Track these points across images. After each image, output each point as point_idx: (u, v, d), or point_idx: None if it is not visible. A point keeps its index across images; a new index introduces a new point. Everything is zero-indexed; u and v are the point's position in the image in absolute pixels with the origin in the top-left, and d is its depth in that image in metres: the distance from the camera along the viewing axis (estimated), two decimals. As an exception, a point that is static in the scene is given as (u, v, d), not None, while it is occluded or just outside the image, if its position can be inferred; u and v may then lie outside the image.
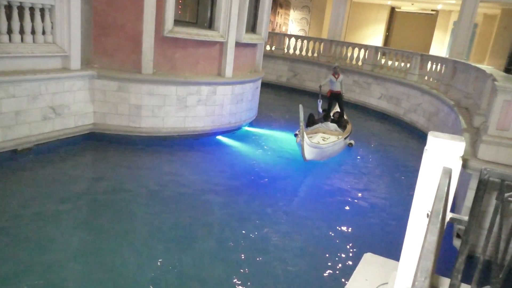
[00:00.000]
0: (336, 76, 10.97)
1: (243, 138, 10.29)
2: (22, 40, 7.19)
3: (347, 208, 7.14)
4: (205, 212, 6.32)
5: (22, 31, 7.20)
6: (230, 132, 10.26)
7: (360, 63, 16.03)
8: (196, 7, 9.34)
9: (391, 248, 5.31)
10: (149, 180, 7.19)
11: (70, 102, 8.01)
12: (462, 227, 1.84)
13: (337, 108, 11.29)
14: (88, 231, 5.45)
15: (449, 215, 2.01)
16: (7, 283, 4.23)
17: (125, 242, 5.25)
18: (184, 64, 9.11)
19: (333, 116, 10.53)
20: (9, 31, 7.03)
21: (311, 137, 8.72)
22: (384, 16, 23.89)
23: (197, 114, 9.32)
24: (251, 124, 11.30)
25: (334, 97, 11.27)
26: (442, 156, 1.86)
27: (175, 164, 8.15)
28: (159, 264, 4.87)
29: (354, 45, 16.75)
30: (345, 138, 9.40)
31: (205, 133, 9.66)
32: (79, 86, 8.12)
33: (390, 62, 15.45)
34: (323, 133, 9.36)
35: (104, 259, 4.86)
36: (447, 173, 1.71)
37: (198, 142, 9.43)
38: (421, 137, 12.06)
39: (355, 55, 16.30)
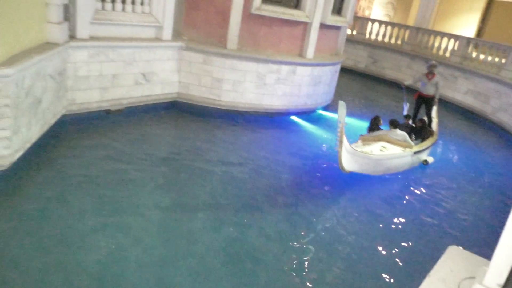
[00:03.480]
0: (430, 76, 9.04)
1: (317, 121, 10.26)
2: (123, 9, 7.72)
3: (423, 205, 6.93)
4: (273, 188, 6.46)
5: (123, 1, 7.73)
6: (304, 113, 10.29)
7: (447, 54, 15.06)
8: (282, -14, 9.35)
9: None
10: (222, 151, 7.50)
11: (159, 70, 8.52)
12: None
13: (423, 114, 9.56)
14: (166, 191, 5.86)
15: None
16: (94, 228, 4.76)
17: (197, 203, 5.60)
18: (267, 42, 9.23)
19: (415, 123, 8.83)
20: (113, 0, 7.59)
21: (368, 144, 7.39)
22: (480, 5, 21.99)
23: (275, 93, 9.46)
24: (325, 108, 11.21)
25: (423, 101, 9.42)
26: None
27: (249, 139, 8.35)
28: (230, 229, 5.15)
29: (443, 35, 15.73)
30: (415, 153, 7.61)
31: (280, 112, 9.80)
32: (168, 56, 8.58)
33: (482, 56, 14.33)
34: (387, 141, 7.53)
35: (178, 218, 5.24)
36: None
37: (272, 120, 9.59)
38: (510, 140, 11.20)
39: (443, 45, 15.32)
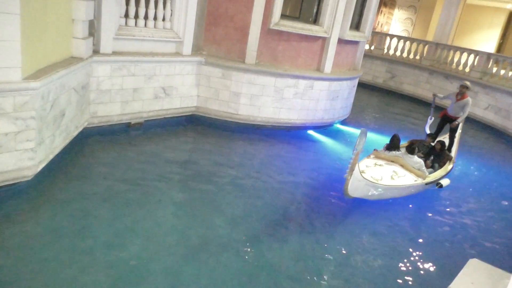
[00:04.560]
0: (459, 97, 8.47)
1: (334, 135, 10.23)
2: (145, 25, 7.94)
3: (439, 223, 6.81)
4: (286, 204, 6.44)
5: (146, 17, 7.95)
6: (321, 128, 10.29)
7: (467, 69, 14.93)
8: (300, 2, 9.46)
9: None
10: (238, 166, 7.48)
11: (178, 85, 8.69)
12: None
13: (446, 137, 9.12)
14: (180, 204, 5.93)
15: None
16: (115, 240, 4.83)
17: (212, 214, 5.64)
18: (285, 56, 9.33)
19: (434, 145, 8.35)
20: (136, 16, 7.82)
21: (379, 164, 7.02)
22: (501, 20, 21.77)
23: (292, 107, 9.51)
24: (343, 122, 11.19)
25: (447, 121, 8.89)
26: None
27: (265, 154, 8.34)
28: (243, 238, 5.16)
29: (462, 50, 15.61)
30: (428, 184, 7.18)
31: (297, 126, 9.82)
32: (188, 71, 8.75)
33: (502, 71, 14.13)
34: (401, 165, 7.09)
35: (192, 229, 5.28)
36: None
37: (289, 134, 9.61)
38: (532, 156, 10.94)
39: (463, 60, 15.20)
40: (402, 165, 7.10)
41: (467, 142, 11.41)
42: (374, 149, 7.61)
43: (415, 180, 6.90)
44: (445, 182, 7.75)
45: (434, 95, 9.23)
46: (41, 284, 3.93)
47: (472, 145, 11.52)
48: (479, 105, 14.02)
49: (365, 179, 5.92)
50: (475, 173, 9.50)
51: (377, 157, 7.34)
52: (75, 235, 4.71)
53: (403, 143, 8.13)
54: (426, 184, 7.10)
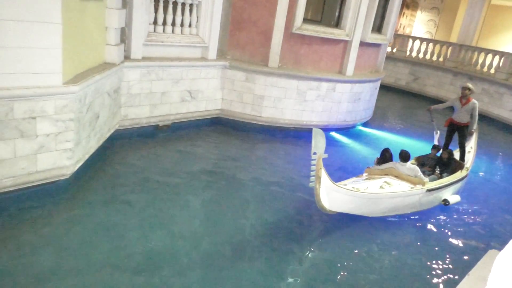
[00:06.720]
0: (464, 101, 7.68)
1: (356, 137, 10.32)
2: (172, 31, 8.27)
3: (458, 218, 6.84)
4: (299, 210, 6.50)
5: (173, 23, 8.28)
6: (344, 129, 10.39)
7: (492, 70, 14.73)
8: (321, 6, 9.62)
9: None
10: (259, 169, 7.60)
11: (204, 88, 8.98)
12: None
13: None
14: (204, 201, 6.19)
15: None
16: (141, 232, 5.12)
17: (232, 209, 5.86)
18: (308, 60, 9.51)
19: (441, 154, 7.53)
20: (163, 23, 8.16)
21: (372, 178, 6.30)
22: (527, 21, 21.33)
23: (314, 109, 9.67)
24: (365, 124, 11.27)
25: (455, 130, 7.97)
26: None
27: (288, 156, 8.50)
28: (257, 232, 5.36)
29: (487, 51, 15.41)
30: (429, 190, 6.26)
31: (319, 128, 9.93)
32: (213, 75, 9.04)
33: (529, 72, 13.91)
34: (396, 176, 6.35)
35: (211, 223, 5.51)
36: None
37: (311, 135, 9.71)
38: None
39: (488, 62, 15.01)
40: (396, 176, 6.38)
41: (491, 143, 11.28)
42: (367, 167, 6.87)
43: (412, 187, 6.12)
44: (453, 198, 6.79)
45: (429, 110, 8.32)
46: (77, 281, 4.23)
47: (496, 147, 11.38)
48: (505, 107, 13.83)
49: (339, 186, 5.18)
50: (498, 174, 9.42)
51: (370, 173, 6.61)
52: (109, 231, 5.02)
53: (411, 160, 7.28)
54: (429, 191, 6.24)
